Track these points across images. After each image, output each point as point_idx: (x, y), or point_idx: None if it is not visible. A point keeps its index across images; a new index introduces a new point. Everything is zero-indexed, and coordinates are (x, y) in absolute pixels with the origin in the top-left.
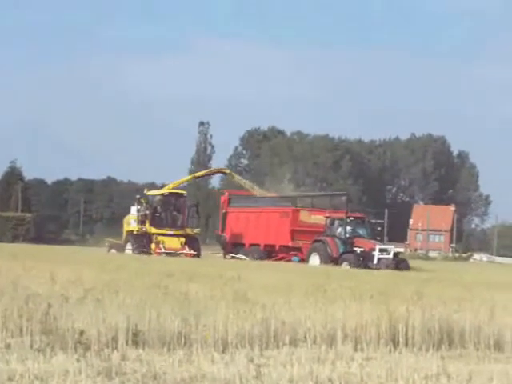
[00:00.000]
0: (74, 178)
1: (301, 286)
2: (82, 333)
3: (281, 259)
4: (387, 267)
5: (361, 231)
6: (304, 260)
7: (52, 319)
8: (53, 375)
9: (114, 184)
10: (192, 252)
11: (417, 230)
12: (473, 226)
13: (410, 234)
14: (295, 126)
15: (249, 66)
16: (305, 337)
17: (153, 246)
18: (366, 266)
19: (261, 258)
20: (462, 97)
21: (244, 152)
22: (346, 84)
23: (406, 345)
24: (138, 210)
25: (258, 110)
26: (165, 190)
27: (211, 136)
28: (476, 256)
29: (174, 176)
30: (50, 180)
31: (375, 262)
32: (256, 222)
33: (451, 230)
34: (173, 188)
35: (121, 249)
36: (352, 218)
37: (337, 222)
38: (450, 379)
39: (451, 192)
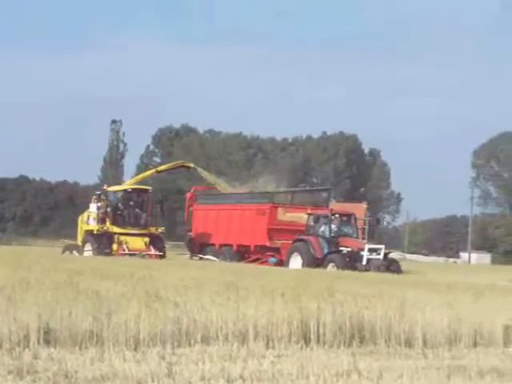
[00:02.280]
0: None
1: (213, 284)
2: None
3: (255, 261)
4: (378, 269)
5: (346, 229)
6: (282, 261)
7: None
8: None
9: (27, 182)
10: (157, 253)
11: None
12: (384, 223)
13: None
14: (207, 124)
15: (160, 63)
16: (217, 335)
17: (115, 246)
18: (354, 268)
19: (233, 260)
20: (374, 94)
21: (156, 150)
22: (257, 81)
23: (318, 342)
24: (99, 208)
25: (170, 108)
26: (127, 186)
27: (124, 134)
28: None
29: (86, 174)
30: None
31: (364, 262)
32: (228, 221)
33: (363, 227)
34: (135, 183)
35: (79, 250)
36: (337, 215)
37: (321, 220)
38: (360, 376)
39: (363, 190)
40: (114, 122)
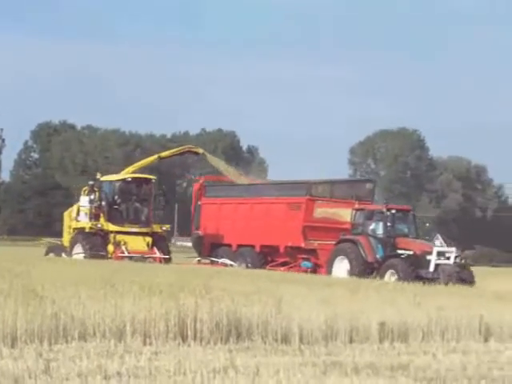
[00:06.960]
0: None
1: (91, 281)
2: None
3: (283, 264)
4: (449, 277)
5: (404, 228)
6: (318, 266)
7: None
8: None
9: None
10: (162, 256)
11: None
12: None
13: None
14: (86, 120)
15: (37, 59)
16: (94, 331)
17: (110, 247)
18: (418, 276)
19: (255, 263)
20: (251, 92)
21: (34, 146)
22: (137, 78)
23: (195, 338)
24: (91, 201)
25: (49, 104)
26: (125, 175)
27: (2, 130)
28: None
29: None
30: None
31: (431, 269)
32: (248, 217)
33: None
34: (133, 171)
35: (67, 252)
36: (394, 211)
37: (374, 216)
38: (237, 372)
39: None
40: None
